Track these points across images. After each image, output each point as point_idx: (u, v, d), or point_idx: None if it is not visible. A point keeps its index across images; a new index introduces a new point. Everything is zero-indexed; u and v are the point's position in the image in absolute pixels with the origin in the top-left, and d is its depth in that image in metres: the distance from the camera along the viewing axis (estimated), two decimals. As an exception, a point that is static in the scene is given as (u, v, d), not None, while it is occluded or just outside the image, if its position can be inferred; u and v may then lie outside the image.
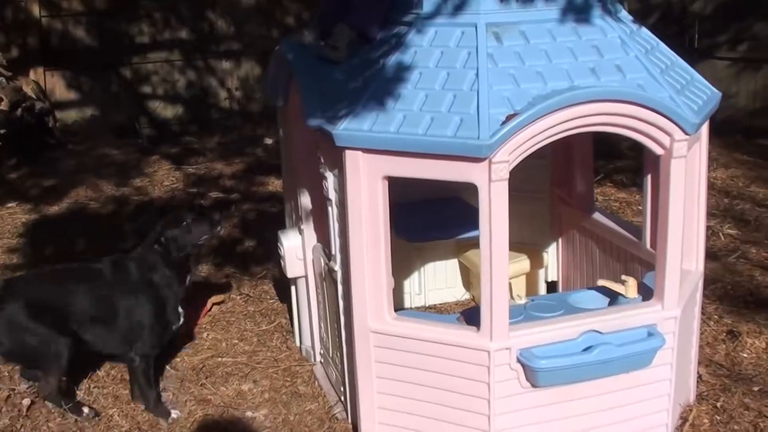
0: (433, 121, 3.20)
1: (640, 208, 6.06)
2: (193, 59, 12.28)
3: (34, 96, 11.02)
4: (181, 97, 12.24)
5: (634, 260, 4.14)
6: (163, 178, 8.94)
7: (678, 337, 3.60)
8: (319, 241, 4.31)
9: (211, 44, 12.29)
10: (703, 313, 4.93)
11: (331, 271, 3.92)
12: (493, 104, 3.14)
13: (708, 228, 6.40)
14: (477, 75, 3.22)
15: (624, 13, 3.76)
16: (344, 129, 3.34)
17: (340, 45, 3.89)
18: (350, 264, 3.57)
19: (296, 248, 4.47)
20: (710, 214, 6.80)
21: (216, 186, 8.55)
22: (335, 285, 3.88)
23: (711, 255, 5.93)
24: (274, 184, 8.23)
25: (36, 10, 11.40)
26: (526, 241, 4.98)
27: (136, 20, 11.97)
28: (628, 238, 4.23)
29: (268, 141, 10.43)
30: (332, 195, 3.71)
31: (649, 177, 3.70)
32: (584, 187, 4.71)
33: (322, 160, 3.73)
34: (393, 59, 3.47)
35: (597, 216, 4.57)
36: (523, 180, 4.61)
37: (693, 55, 11.00)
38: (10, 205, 8.12)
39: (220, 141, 10.92)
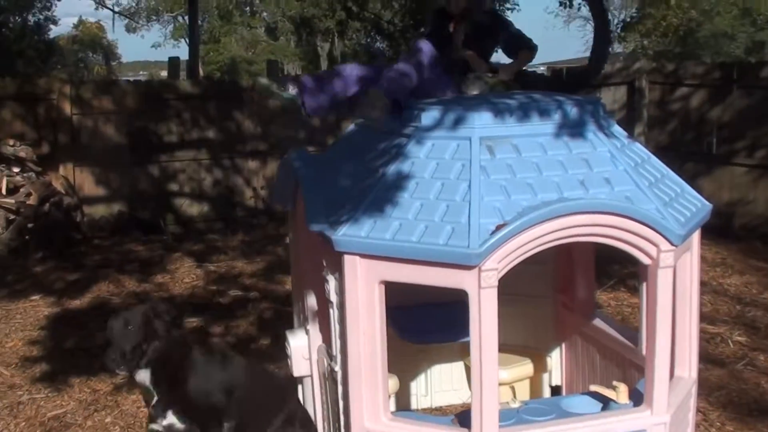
0: (426, 230, 3.33)
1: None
2: (220, 158, 12.55)
3: (63, 191, 11.29)
4: (207, 195, 12.51)
5: (631, 366, 4.21)
6: (184, 275, 9.11)
7: (668, 443, 3.65)
8: (323, 341, 4.41)
9: (237, 144, 12.58)
10: (705, 420, 5.00)
11: (332, 372, 4.02)
12: (484, 214, 3.27)
13: (717, 335, 6.50)
14: (470, 186, 3.36)
15: (616, 128, 3.90)
16: (343, 235, 3.48)
17: (377, 104, 4.10)
18: (348, 364, 3.66)
19: (302, 348, 4.58)
20: (721, 321, 6.88)
21: (235, 284, 8.69)
22: (336, 385, 3.96)
23: (718, 362, 5.99)
24: (292, 284, 8.38)
25: (68, 108, 11.75)
26: (530, 344, 5.07)
27: (165, 119, 12.29)
28: (625, 344, 4.31)
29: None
30: (333, 297, 3.82)
31: (644, 285, 3.80)
32: (585, 292, 4.80)
33: (325, 264, 3.86)
34: (392, 168, 3.62)
35: (597, 322, 4.66)
36: (527, 284, 4.77)
37: (711, 161, 11.16)
38: (33, 297, 8.30)
39: (243, 239, 11.12)
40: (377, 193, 3.55)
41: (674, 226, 3.42)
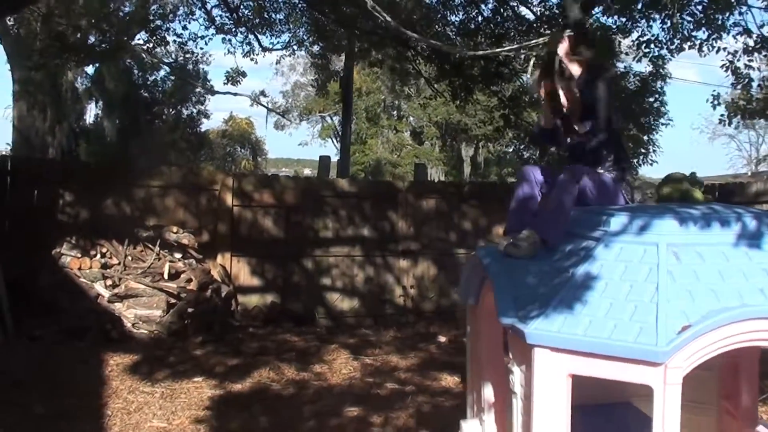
0: (616, 327, 3.57)
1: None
2: (373, 256, 12.91)
3: (219, 279, 11.73)
4: (359, 291, 12.82)
5: (794, 476, 4.32)
6: (341, 367, 9.40)
7: None
8: (498, 432, 4.64)
9: (390, 243, 12.93)
10: None
11: (513, 462, 4.22)
12: (671, 316, 3.50)
13: None
14: (657, 289, 3.61)
15: (790, 241, 4.11)
16: (535, 328, 3.73)
17: (522, 245, 4.40)
18: (532, 453, 3.86)
19: (476, 438, 4.81)
20: None
21: (392, 378, 8.94)
22: (516, 475, 4.15)
23: None
24: (447, 380, 8.57)
25: (229, 199, 12.26)
26: (694, 449, 5.18)
27: (322, 215, 12.70)
28: (790, 454, 4.43)
29: (442, 339, 10.84)
30: (518, 389, 4.02)
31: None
32: (749, 400, 4.92)
33: (511, 356, 4.11)
34: (582, 269, 3.89)
35: (761, 429, 4.77)
36: (693, 390, 4.89)
37: None
38: (196, 379, 8.65)
39: (395, 335, 11.39)
40: (567, 292, 3.82)
41: None
